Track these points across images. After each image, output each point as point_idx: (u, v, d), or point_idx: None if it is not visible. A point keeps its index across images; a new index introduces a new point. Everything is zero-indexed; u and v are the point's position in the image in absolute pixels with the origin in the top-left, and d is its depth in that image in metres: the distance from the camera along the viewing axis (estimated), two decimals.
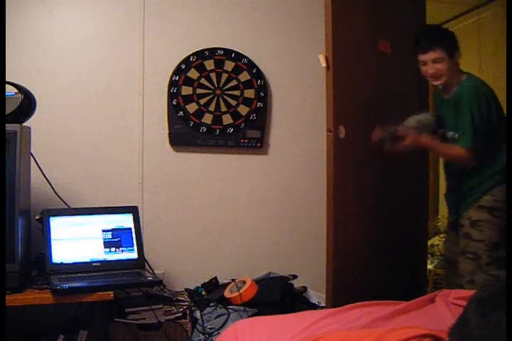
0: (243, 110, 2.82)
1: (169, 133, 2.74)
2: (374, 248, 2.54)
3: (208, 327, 2.29)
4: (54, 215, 2.31)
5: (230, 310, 2.34)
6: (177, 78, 2.74)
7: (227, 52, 2.81)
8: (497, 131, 2.24)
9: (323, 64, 2.41)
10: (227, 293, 2.45)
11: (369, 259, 2.53)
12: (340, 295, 2.34)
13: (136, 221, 2.43)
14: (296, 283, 2.63)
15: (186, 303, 2.44)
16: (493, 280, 2.04)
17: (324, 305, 2.43)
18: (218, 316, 2.33)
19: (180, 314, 2.35)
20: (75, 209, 2.40)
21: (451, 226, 2.47)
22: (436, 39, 2.27)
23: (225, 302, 2.42)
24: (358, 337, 1.12)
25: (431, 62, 2.26)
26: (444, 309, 1.72)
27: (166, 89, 2.74)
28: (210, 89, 2.78)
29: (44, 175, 2.34)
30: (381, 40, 2.60)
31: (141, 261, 2.36)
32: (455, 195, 2.40)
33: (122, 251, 2.36)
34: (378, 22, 2.60)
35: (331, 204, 2.39)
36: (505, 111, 2.32)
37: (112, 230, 2.38)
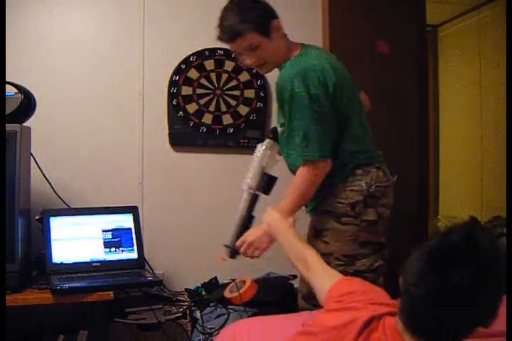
0: (243, 110, 2.82)
1: (169, 133, 2.74)
2: None
3: (208, 327, 2.29)
4: (54, 215, 2.31)
5: (230, 310, 2.34)
6: (177, 78, 2.74)
7: (227, 52, 2.80)
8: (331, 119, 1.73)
9: None
10: (227, 293, 2.45)
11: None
12: None
13: (136, 221, 2.43)
14: (296, 283, 2.63)
15: (186, 303, 2.44)
16: None
17: None
18: (218, 316, 2.33)
19: (180, 314, 2.35)
20: (75, 209, 2.40)
21: None
22: (238, 22, 1.76)
23: (224, 302, 2.41)
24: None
25: (244, 53, 1.77)
26: None
27: (166, 89, 2.74)
28: (210, 89, 2.78)
29: (44, 175, 2.34)
30: (379, 40, 2.59)
31: (141, 261, 2.37)
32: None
33: (122, 251, 2.36)
34: (376, 23, 2.60)
35: None
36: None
37: (112, 230, 2.38)
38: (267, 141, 1.94)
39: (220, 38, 1.82)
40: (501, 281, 1.00)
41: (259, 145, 1.96)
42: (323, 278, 1.36)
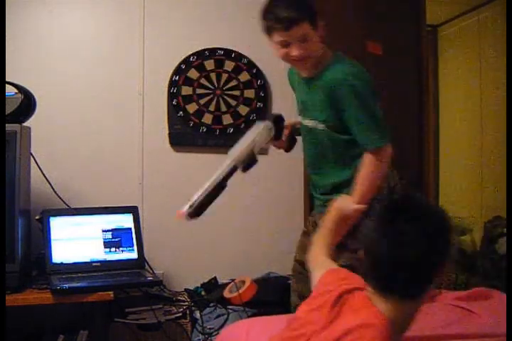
0: (243, 110, 2.82)
1: (169, 133, 2.74)
2: None
3: (208, 327, 2.29)
4: (54, 215, 2.31)
5: (230, 310, 2.34)
6: (177, 78, 2.74)
7: (227, 52, 2.80)
8: None
9: None
10: (226, 293, 2.45)
11: None
12: None
13: (136, 221, 2.43)
14: None
15: (186, 303, 2.45)
16: None
17: None
18: (218, 316, 2.34)
19: (180, 314, 2.35)
20: (75, 209, 2.40)
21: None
22: (300, 9, 1.72)
23: (224, 302, 2.42)
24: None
25: (295, 43, 1.74)
26: (441, 309, 1.72)
27: (166, 89, 2.74)
28: (210, 89, 2.78)
29: (44, 175, 2.34)
30: (370, 41, 2.56)
31: (141, 261, 2.37)
32: (320, 198, 1.99)
33: (122, 251, 2.36)
34: (369, 24, 2.59)
35: None
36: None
37: (112, 230, 2.38)
38: (269, 123, 1.94)
39: (270, 28, 1.76)
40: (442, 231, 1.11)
41: (259, 124, 1.95)
42: (319, 270, 1.38)
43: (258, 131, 1.91)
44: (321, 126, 1.88)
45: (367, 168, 1.77)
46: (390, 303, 1.09)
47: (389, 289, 1.09)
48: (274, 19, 1.73)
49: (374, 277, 1.12)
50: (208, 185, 1.84)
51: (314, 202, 2.06)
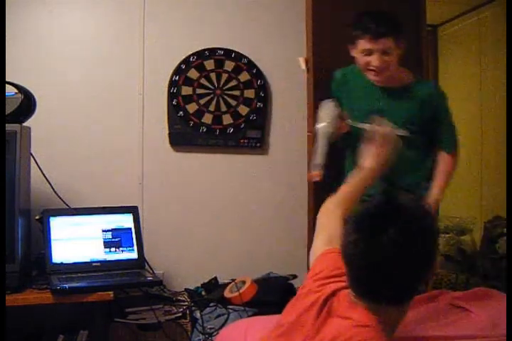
0: (243, 110, 2.82)
1: (169, 133, 2.74)
2: None
3: (208, 327, 2.29)
4: (54, 215, 2.31)
5: (230, 310, 2.34)
6: (177, 78, 2.74)
7: (227, 52, 2.80)
8: None
9: (303, 66, 2.41)
10: (227, 293, 2.45)
11: None
12: None
13: (136, 221, 2.43)
14: (296, 283, 2.63)
15: (186, 303, 2.44)
16: None
17: None
18: (218, 316, 2.33)
19: (180, 314, 2.35)
20: (75, 209, 2.40)
21: None
22: (390, 25, 1.95)
23: (224, 302, 2.42)
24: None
25: (378, 53, 1.94)
26: (441, 309, 1.72)
27: (166, 89, 2.74)
28: (210, 89, 2.78)
29: (44, 175, 2.34)
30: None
31: (141, 261, 2.37)
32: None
33: (122, 251, 2.36)
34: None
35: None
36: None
37: (112, 230, 2.38)
38: (335, 100, 2.11)
39: (358, 36, 1.97)
40: (429, 238, 1.07)
41: (327, 102, 2.10)
42: (322, 240, 1.38)
43: (331, 107, 2.07)
44: (401, 132, 1.98)
45: (446, 166, 2.11)
46: (377, 308, 1.07)
47: (375, 299, 1.07)
48: (364, 29, 1.94)
49: (359, 289, 1.09)
50: (318, 149, 2.00)
51: None
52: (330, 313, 1.12)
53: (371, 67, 1.99)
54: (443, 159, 2.12)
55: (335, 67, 2.26)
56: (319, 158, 1.98)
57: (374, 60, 1.96)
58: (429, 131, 2.11)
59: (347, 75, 2.18)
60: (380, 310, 1.06)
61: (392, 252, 1.02)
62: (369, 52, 1.96)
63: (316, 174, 1.98)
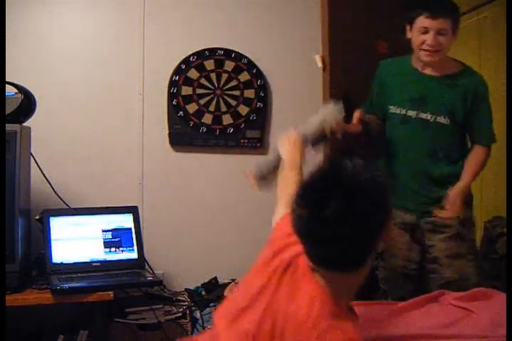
0: (243, 110, 2.82)
1: (169, 133, 2.74)
2: None
3: (208, 327, 2.29)
4: (54, 215, 2.31)
5: None
6: (177, 78, 2.74)
7: (227, 52, 2.80)
8: None
9: (320, 64, 2.40)
10: (227, 293, 2.45)
11: None
12: None
13: (136, 221, 2.43)
14: None
15: (186, 303, 2.44)
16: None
17: None
18: None
19: (180, 314, 2.35)
20: (75, 209, 2.40)
21: (406, 229, 2.19)
22: (450, 6, 2.01)
23: None
24: None
25: (434, 32, 1.98)
26: (441, 309, 1.72)
27: (166, 89, 2.74)
28: (210, 89, 2.78)
29: (44, 175, 2.34)
30: (380, 39, 2.58)
31: (141, 261, 2.37)
32: (426, 193, 2.16)
33: (122, 251, 2.36)
34: (376, 21, 2.59)
35: None
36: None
37: (112, 230, 2.38)
38: (338, 104, 1.99)
39: (418, 13, 1.99)
40: (374, 204, 1.05)
41: (330, 105, 2.00)
42: (282, 205, 1.48)
43: (327, 111, 1.96)
44: (443, 120, 2.10)
45: (478, 159, 2.12)
46: (330, 276, 1.10)
47: (327, 265, 1.09)
48: (424, 7, 1.98)
49: (311, 258, 1.11)
50: (272, 156, 1.86)
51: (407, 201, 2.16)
52: (288, 279, 1.16)
53: (425, 47, 2.01)
54: (476, 150, 2.14)
55: (350, 66, 2.29)
56: (265, 167, 1.84)
57: (429, 39, 1.98)
58: (468, 121, 2.12)
59: (393, 63, 2.23)
60: (333, 278, 1.10)
61: (335, 228, 1.02)
62: (425, 31, 1.99)
63: (253, 184, 1.88)
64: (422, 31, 2.00)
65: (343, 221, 1.01)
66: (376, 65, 2.32)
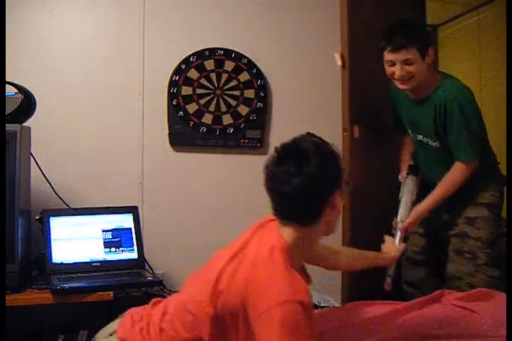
0: (243, 110, 2.82)
1: (169, 133, 2.74)
2: None
3: None
4: (54, 215, 2.31)
5: None
6: (177, 78, 2.74)
7: (227, 52, 2.80)
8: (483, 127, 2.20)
9: (339, 62, 2.41)
10: None
11: None
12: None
13: (136, 221, 2.43)
14: None
15: None
16: (492, 282, 2.05)
17: (324, 305, 2.43)
18: None
19: None
20: (75, 209, 2.40)
21: (423, 222, 2.30)
22: (411, 36, 2.03)
23: None
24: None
25: (400, 63, 2.04)
26: (443, 309, 1.72)
27: (166, 89, 2.74)
28: (210, 89, 2.78)
29: (44, 175, 2.34)
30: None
31: (141, 261, 2.37)
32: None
33: (122, 251, 2.36)
34: (390, 19, 2.59)
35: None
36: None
37: (112, 230, 2.38)
38: (414, 177, 2.28)
39: (382, 48, 2.07)
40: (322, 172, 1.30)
41: (409, 179, 2.27)
42: None
43: (411, 188, 2.23)
44: (431, 142, 2.18)
45: (452, 176, 2.09)
46: (290, 230, 1.35)
47: (282, 217, 1.37)
48: (386, 40, 2.05)
49: (272, 209, 1.37)
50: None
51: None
52: (260, 233, 1.44)
53: (395, 77, 2.09)
54: (453, 167, 2.11)
55: (370, 64, 2.33)
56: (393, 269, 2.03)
57: (397, 70, 2.06)
58: (446, 138, 2.11)
59: (397, 89, 2.24)
60: (291, 230, 1.36)
61: (285, 184, 1.29)
62: (392, 63, 2.06)
63: (388, 286, 2.02)
64: (389, 64, 2.07)
65: (291, 179, 1.27)
66: (371, 64, 2.36)
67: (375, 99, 2.55)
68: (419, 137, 2.24)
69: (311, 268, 2.43)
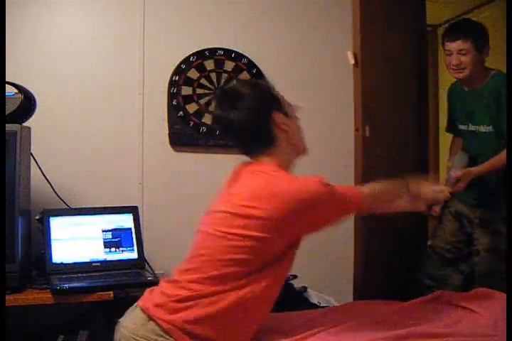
0: None
1: (169, 133, 2.74)
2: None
3: None
4: (54, 215, 2.31)
5: None
6: (177, 78, 2.74)
7: (227, 52, 2.80)
8: None
9: (352, 61, 2.41)
10: None
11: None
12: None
13: (136, 221, 2.43)
14: (296, 283, 2.63)
15: None
16: None
17: (324, 305, 2.44)
18: None
19: None
20: (75, 209, 2.40)
21: (456, 216, 2.41)
22: (466, 30, 2.26)
23: None
24: None
25: (456, 53, 2.24)
26: (443, 309, 1.72)
27: (166, 89, 2.74)
28: (210, 89, 2.78)
29: (44, 175, 2.34)
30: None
31: (141, 261, 2.37)
32: (488, 189, 2.31)
33: (122, 251, 2.36)
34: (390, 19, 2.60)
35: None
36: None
37: (112, 230, 2.38)
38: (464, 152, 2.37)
39: (443, 37, 2.33)
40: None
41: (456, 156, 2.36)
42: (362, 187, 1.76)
43: (463, 158, 2.32)
44: (483, 129, 2.29)
45: (501, 155, 2.16)
46: (264, 160, 1.63)
47: (250, 151, 1.70)
48: (448, 32, 2.30)
49: (238, 149, 1.73)
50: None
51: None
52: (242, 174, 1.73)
53: (452, 67, 2.28)
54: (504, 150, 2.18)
55: (382, 63, 2.39)
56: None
57: (453, 59, 2.25)
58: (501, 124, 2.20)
59: (454, 85, 2.48)
60: (268, 156, 1.64)
61: (224, 120, 1.59)
62: (450, 53, 2.27)
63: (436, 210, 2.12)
64: (447, 53, 2.29)
65: (226, 115, 1.56)
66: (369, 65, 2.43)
67: (386, 98, 2.55)
68: (472, 127, 2.34)
69: (311, 268, 2.44)
